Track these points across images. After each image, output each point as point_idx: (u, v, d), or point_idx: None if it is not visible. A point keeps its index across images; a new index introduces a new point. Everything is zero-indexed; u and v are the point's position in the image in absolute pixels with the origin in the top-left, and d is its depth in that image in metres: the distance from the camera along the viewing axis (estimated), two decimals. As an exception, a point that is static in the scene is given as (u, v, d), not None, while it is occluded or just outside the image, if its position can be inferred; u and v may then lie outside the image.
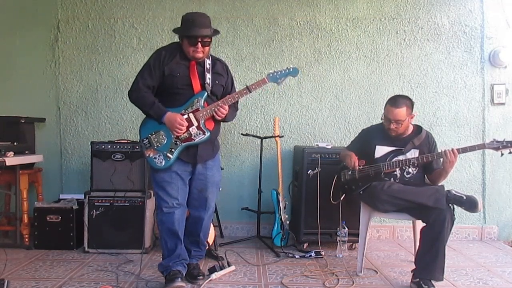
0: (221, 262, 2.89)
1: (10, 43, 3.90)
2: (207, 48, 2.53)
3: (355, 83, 3.92)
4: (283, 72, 2.62)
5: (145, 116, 2.59)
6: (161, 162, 2.50)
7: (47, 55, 3.90)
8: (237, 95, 2.57)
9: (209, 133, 2.53)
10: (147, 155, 2.53)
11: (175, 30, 2.58)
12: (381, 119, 2.90)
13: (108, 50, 3.90)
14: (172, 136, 2.50)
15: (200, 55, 2.51)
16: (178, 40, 2.62)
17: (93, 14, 3.89)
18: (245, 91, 2.56)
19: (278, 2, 3.90)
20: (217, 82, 2.61)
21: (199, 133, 2.52)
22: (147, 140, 2.53)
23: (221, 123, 2.72)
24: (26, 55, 3.89)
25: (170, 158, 2.50)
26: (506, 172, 3.90)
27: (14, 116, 3.54)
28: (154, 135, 2.52)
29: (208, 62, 2.60)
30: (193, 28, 2.47)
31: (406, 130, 2.87)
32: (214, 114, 2.53)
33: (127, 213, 3.29)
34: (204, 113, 2.51)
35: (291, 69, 2.64)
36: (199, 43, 2.47)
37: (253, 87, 2.57)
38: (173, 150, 2.50)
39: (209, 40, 2.52)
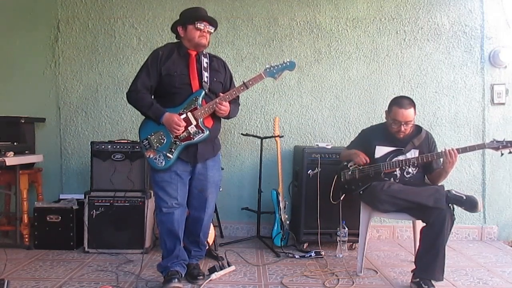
0: (221, 262, 2.88)
1: (10, 43, 3.90)
2: (209, 37, 2.57)
3: (355, 83, 3.92)
4: (280, 66, 2.61)
5: (144, 117, 2.59)
6: (161, 163, 2.50)
7: (47, 55, 3.90)
8: (234, 92, 2.57)
9: (208, 132, 2.52)
10: (148, 156, 2.52)
11: (181, 17, 2.60)
12: (388, 123, 2.86)
13: (108, 50, 3.90)
14: (171, 136, 2.50)
15: (205, 41, 2.55)
16: (177, 40, 2.63)
17: (93, 14, 3.89)
18: (242, 87, 2.56)
19: (278, 2, 3.89)
20: (215, 79, 2.62)
21: (198, 132, 2.51)
22: (147, 141, 2.52)
23: (221, 121, 2.71)
24: (26, 55, 3.89)
25: (170, 158, 2.50)
26: (506, 172, 3.90)
27: (14, 116, 3.53)
28: (153, 136, 2.51)
29: (205, 60, 2.61)
30: (201, 12, 2.57)
31: (407, 130, 2.87)
32: (216, 111, 2.53)
33: (127, 213, 3.29)
34: (202, 111, 2.51)
35: (288, 63, 2.62)
36: (206, 27, 2.52)
37: (250, 82, 2.56)
38: (173, 150, 2.50)
39: (212, 29, 2.57)
